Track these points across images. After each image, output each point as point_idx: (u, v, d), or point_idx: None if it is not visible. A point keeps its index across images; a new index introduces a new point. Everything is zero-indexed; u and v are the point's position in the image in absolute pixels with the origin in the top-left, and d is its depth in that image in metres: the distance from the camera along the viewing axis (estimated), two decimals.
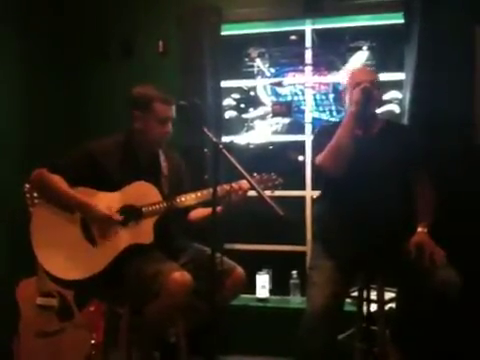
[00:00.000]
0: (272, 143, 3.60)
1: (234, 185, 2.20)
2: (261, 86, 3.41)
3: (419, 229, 2.23)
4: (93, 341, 2.75)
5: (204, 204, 2.29)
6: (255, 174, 2.29)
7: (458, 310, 2.16)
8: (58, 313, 2.70)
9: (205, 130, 1.95)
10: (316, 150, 2.35)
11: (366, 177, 2.19)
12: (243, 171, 1.84)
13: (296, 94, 3.31)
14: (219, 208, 2.23)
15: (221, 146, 1.85)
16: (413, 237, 2.20)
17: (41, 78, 3.19)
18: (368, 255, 2.18)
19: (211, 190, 2.06)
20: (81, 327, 2.72)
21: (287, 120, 3.37)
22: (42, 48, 3.20)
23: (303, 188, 3.24)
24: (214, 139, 1.90)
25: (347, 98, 2.36)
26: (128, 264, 2.14)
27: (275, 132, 3.43)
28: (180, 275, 2.04)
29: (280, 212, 1.70)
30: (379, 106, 2.44)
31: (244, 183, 2.19)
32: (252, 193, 2.06)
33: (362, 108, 2.22)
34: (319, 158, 2.27)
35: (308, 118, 3.25)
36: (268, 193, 2.13)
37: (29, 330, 2.67)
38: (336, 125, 2.32)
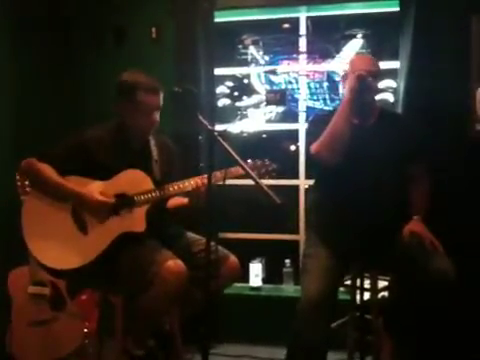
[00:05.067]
0: (266, 132, 3.58)
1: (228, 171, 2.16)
2: (255, 74, 3.38)
3: (414, 218, 2.25)
4: (86, 330, 2.74)
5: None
6: (249, 160, 2.26)
7: (452, 299, 2.17)
8: (50, 302, 2.68)
9: (200, 117, 1.92)
10: (310, 138, 2.33)
11: (361, 166, 2.18)
12: (239, 159, 1.82)
13: (290, 82, 3.29)
14: (187, 200, 2.23)
15: (216, 134, 1.83)
16: (408, 224, 2.22)
17: (32, 68, 3.13)
18: (362, 243, 2.18)
19: (205, 177, 2.05)
20: (73, 316, 2.71)
21: (281, 108, 3.34)
22: (33, 37, 3.13)
23: (296, 177, 3.24)
24: (209, 126, 1.88)
25: (345, 85, 2.35)
26: (121, 253, 2.12)
27: (269, 120, 3.41)
28: (174, 264, 2.03)
29: (277, 200, 1.69)
30: (376, 94, 2.43)
31: (237, 169, 2.15)
32: (246, 182, 2.05)
33: (357, 96, 2.21)
34: (314, 146, 2.26)
35: (302, 107, 3.24)
36: (262, 181, 2.11)
37: (21, 319, 2.66)
38: (330, 113, 2.31)
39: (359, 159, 2.17)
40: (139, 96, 2.16)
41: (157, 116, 2.23)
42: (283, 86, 3.32)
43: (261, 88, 3.38)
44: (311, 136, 2.34)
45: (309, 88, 3.25)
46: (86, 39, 3.27)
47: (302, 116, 3.23)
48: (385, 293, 2.48)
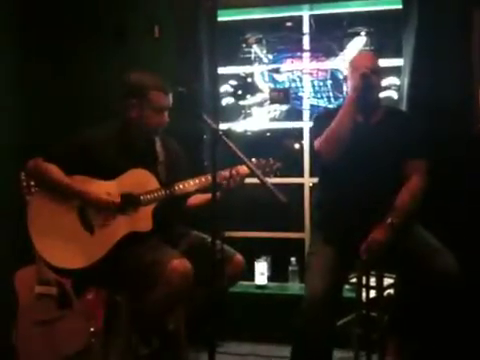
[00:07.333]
0: (270, 130, 3.57)
1: (233, 171, 2.17)
2: (259, 73, 3.38)
3: (386, 221, 2.18)
4: (91, 329, 2.75)
5: (202, 190, 2.27)
6: (253, 159, 2.27)
7: (457, 297, 2.16)
8: (56, 301, 2.69)
9: (205, 117, 1.93)
10: (315, 134, 2.34)
11: (364, 163, 2.18)
12: (244, 157, 1.83)
13: (294, 81, 3.29)
14: (218, 194, 2.23)
15: (220, 132, 1.83)
16: (373, 231, 2.17)
17: (34, 66, 3.14)
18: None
19: (210, 176, 2.06)
20: (79, 315, 2.71)
21: (285, 107, 3.34)
22: (34, 36, 3.15)
23: (301, 175, 3.24)
24: (214, 126, 1.88)
25: (349, 83, 2.34)
26: (127, 252, 2.13)
27: (273, 119, 3.40)
28: (180, 263, 2.03)
29: (282, 198, 1.69)
30: (379, 92, 2.42)
31: (243, 168, 2.16)
32: (252, 180, 2.05)
33: (362, 94, 2.21)
34: (317, 142, 2.27)
35: (306, 105, 3.24)
36: (267, 179, 2.11)
37: (27, 318, 2.66)
38: (336, 110, 2.31)
39: (362, 156, 2.17)
40: (152, 95, 2.19)
41: (167, 115, 2.25)
42: (287, 84, 3.31)
43: (265, 87, 3.37)
44: (316, 132, 2.34)
45: (313, 86, 3.25)
46: (88, 37, 3.25)
47: (306, 114, 3.23)
48: (391, 291, 2.48)
